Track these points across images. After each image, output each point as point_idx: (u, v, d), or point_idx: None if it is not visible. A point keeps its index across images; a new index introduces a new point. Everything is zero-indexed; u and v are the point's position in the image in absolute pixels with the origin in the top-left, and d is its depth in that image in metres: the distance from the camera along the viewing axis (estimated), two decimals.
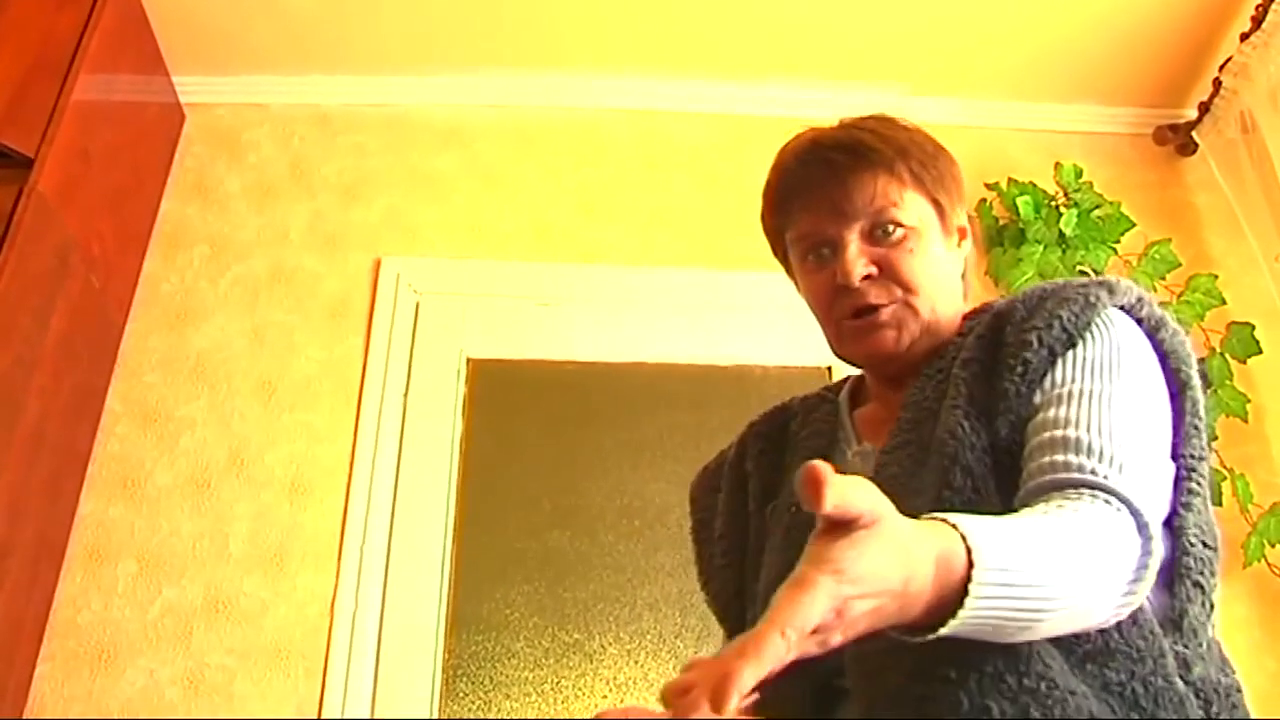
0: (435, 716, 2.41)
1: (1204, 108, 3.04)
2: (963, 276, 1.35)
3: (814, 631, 0.75)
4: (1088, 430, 1.05)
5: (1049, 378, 1.13)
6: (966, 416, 1.12)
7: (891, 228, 1.25)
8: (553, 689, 2.47)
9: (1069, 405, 1.08)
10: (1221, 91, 2.96)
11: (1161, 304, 1.23)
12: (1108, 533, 0.97)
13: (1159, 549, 0.99)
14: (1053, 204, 2.98)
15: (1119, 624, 1.03)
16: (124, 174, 2.79)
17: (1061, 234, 2.90)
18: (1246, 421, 2.75)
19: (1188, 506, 1.14)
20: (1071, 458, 1.03)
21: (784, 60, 3.10)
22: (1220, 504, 2.67)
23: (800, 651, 0.74)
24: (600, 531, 2.61)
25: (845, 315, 1.27)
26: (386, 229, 2.95)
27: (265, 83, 3.13)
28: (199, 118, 3.11)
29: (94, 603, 2.48)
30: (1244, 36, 2.84)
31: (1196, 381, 1.20)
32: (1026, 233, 2.92)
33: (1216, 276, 2.89)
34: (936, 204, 1.29)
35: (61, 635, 2.44)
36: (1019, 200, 2.95)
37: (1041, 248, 2.89)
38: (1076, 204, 2.96)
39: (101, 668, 2.41)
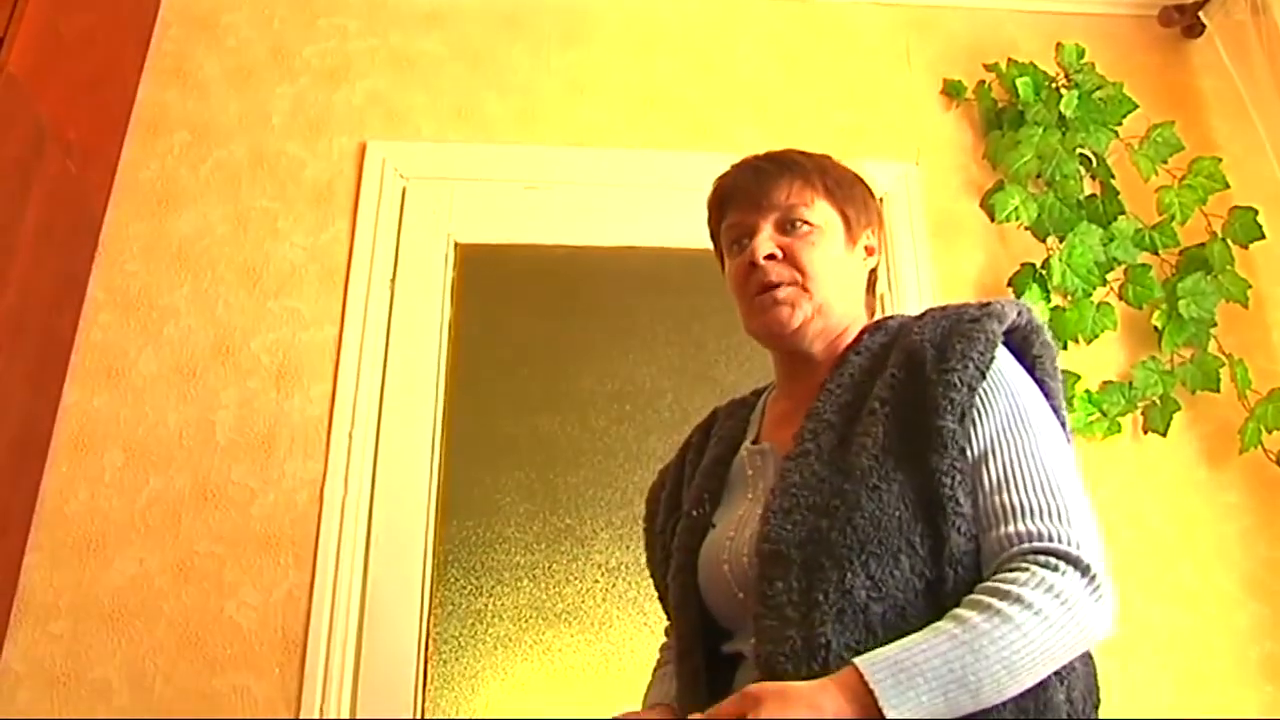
0: (426, 602, 2.41)
1: None
2: (869, 290, 1.56)
3: None
4: (1022, 489, 1.22)
5: (974, 426, 1.27)
6: (875, 459, 1.25)
7: (799, 223, 1.46)
8: (544, 574, 2.46)
9: (998, 462, 1.25)
10: None
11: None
12: (1054, 610, 1.12)
13: (1105, 578, 1.17)
14: (1053, 85, 2.92)
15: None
16: (99, 57, 2.71)
17: (1061, 116, 2.84)
18: (1246, 307, 2.72)
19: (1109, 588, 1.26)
20: (1017, 527, 1.20)
21: None
22: (1218, 390, 2.65)
23: None
24: (591, 416, 2.59)
25: (753, 292, 1.46)
26: (371, 113, 2.88)
27: None
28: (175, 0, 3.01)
29: (81, 493, 2.46)
30: None
31: (1060, 390, 1.41)
32: (1026, 115, 2.87)
33: (1220, 160, 2.83)
34: (844, 215, 1.50)
35: (49, 525, 2.42)
36: (1018, 81, 2.89)
37: (1041, 130, 2.83)
38: (1077, 85, 2.90)
39: (90, 557, 2.40)
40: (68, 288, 2.58)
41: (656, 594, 1.62)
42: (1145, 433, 2.66)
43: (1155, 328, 2.70)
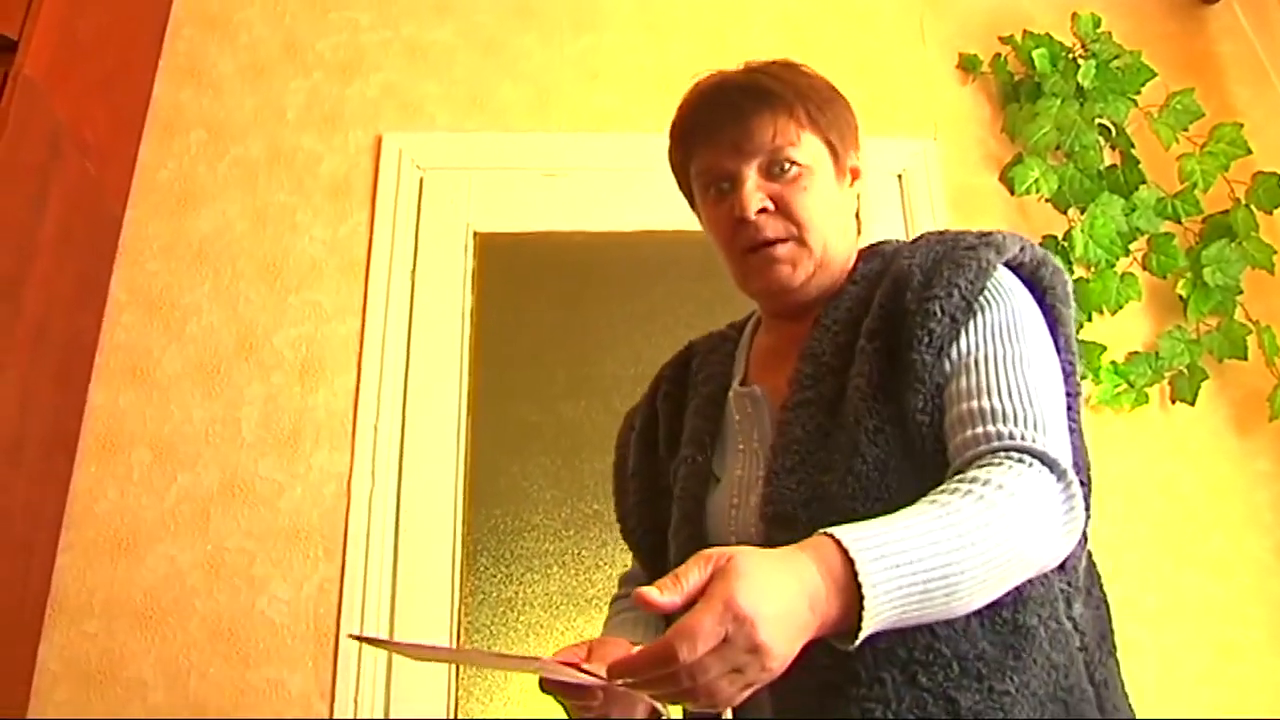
0: (456, 591, 2.41)
1: None
2: (856, 215, 1.44)
3: (725, 640, 0.84)
4: (999, 395, 1.12)
5: (955, 346, 1.19)
6: (868, 398, 1.19)
7: (788, 165, 1.33)
8: (573, 560, 2.47)
9: (979, 373, 1.15)
10: None
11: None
12: (1027, 497, 1.02)
13: (1078, 489, 1.07)
14: (1070, 56, 2.89)
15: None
16: (113, 58, 2.71)
17: (1079, 86, 2.82)
18: (1272, 273, 2.70)
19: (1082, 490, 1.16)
20: (990, 427, 1.10)
21: None
22: (1245, 357, 2.64)
23: (709, 660, 0.84)
24: (615, 401, 2.57)
25: (744, 249, 1.35)
26: (386, 105, 2.88)
27: None
28: None
29: (110, 492, 2.47)
30: None
31: (1071, 318, 1.29)
32: (1043, 86, 2.84)
33: (1241, 126, 2.80)
34: (830, 145, 1.37)
35: (80, 525, 2.44)
36: (1035, 53, 2.87)
37: (1059, 101, 2.81)
38: (1095, 55, 2.87)
39: (122, 555, 2.41)
40: (90, 289, 2.59)
41: (626, 541, 1.56)
42: (1173, 402, 2.64)
43: (1180, 297, 2.68)
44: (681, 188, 1.50)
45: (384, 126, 2.85)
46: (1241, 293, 2.68)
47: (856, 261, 1.40)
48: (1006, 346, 1.17)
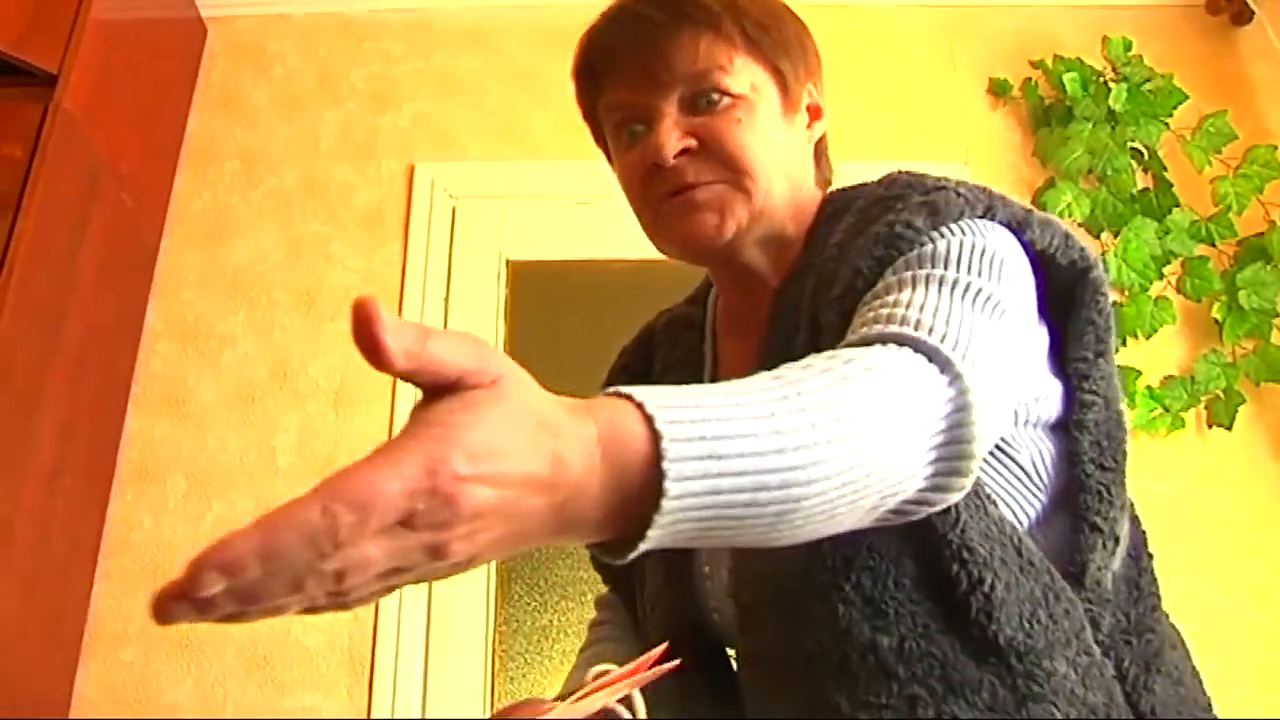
0: (491, 619, 2.41)
1: None
2: (819, 161, 1.17)
3: (407, 524, 0.52)
4: (905, 307, 0.82)
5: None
6: None
7: (716, 95, 1.05)
8: None
9: (889, 293, 0.86)
10: None
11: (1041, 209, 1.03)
12: (887, 377, 0.73)
13: (978, 402, 0.75)
14: (1101, 80, 2.88)
15: (1048, 601, 0.88)
16: (149, 91, 2.75)
17: (1111, 110, 2.81)
18: None
19: (1080, 425, 0.97)
20: (872, 327, 0.81)
21: None
22: None
23: (389, 551, 0.52)
24: None
25: (660, 196, 1.06)
26: (418, 135, 2.90)
27: None
28: (221, 31, 3.05)
29: (146, 520, 2.49)
30: None
31: (1095, 262, 0.99)
32: (1074, 110, 2.83)
33: (1276, 148, 2.78)
34: (777, 72, 1.09)
35: (117, 554, 2.45)
36: (1066, 77, 2.86)
37: (1090, 125, 2.80)
38: (1126, 78, 2.86)
39: (158, 584, 2.40)
40: (126, 319, 2.61)
41: (594, 564, 1.27)
42: (1210, 427, 2.62)
43: (1216, 320, 2.66)
44: (596, 139, 1.22)
45: (417, 156, 2.87)
46: (1278, 315, 2.66)
47: (816, 222, 1.10)
48: (934, 270, 0.87)
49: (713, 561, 1.06)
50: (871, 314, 0.84)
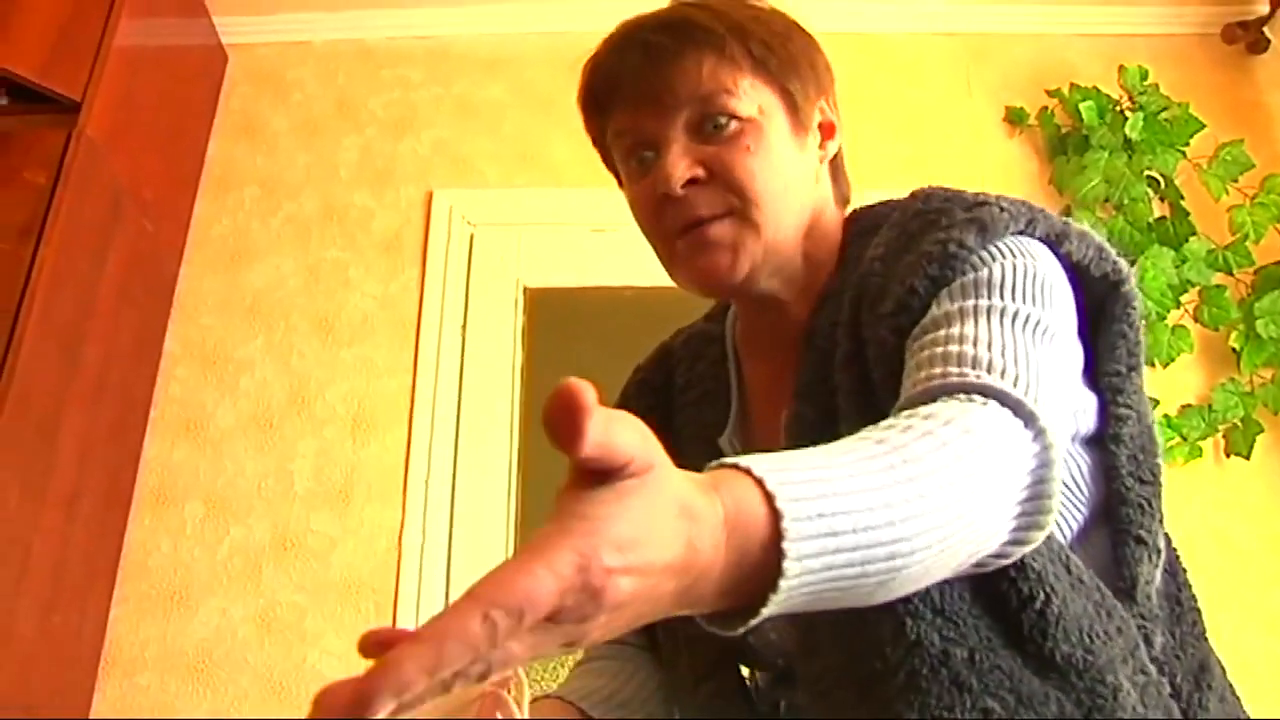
0: None
1: (1276, 2, 2.92)
2: (836, 179, 1.15)
3: (553, 618, 0.52)
4: (972, 344, 0.84)
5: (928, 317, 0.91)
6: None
7: (723, 119, 1.03)
8: None
9: (950, 325, 0.87)
10: None
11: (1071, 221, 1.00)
12: (982, 439, 0.75)
13: (1057, 456, 0.77)
14: (1117, 108, 2.89)
15: (1101, 618, 0.87)
16: (170, 117, 2.78)
17: (1127, 139, 2.82)
18: None
19: (1116, 439, 0.95)
20: (950, 368, 0.82)
21: None
22: None
23: (535, 646, 0.52)
24: None
25: (674, 232, 1.05)
26: (437, 162, 2.92)
27: (306, 20, 3.09)
28: (241, 58, 3.08)
29: (163, 545, 2.50)
30: None
31: (1128, 276, 0.98)
32: (1091, 139, 2.84)
33: None
34: (785, 93, 1.07)
35: (134, 578, 2.46)
36: (1082, 106, 2.86)
37: (1107, 154, 2.80)
38: (1142, 107, 2.87)
39: (174, 609, 2.43)
40: (145, 343, 2.63)
41: None
42: (1228, 456, 2.61)
43: (1233, 349, 2.66)
44: (606, 165, 1.19)
45: (435, 183, 2.88)
46: None
47: (845, 240, 1.10)
48: (990, 300, 0.88)
49: None
50: (941, 351, 0.84)
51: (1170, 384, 2.65)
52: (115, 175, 2.46)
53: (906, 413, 0.76)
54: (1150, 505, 0.95)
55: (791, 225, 1.06)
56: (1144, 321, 0.98)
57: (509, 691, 0.82)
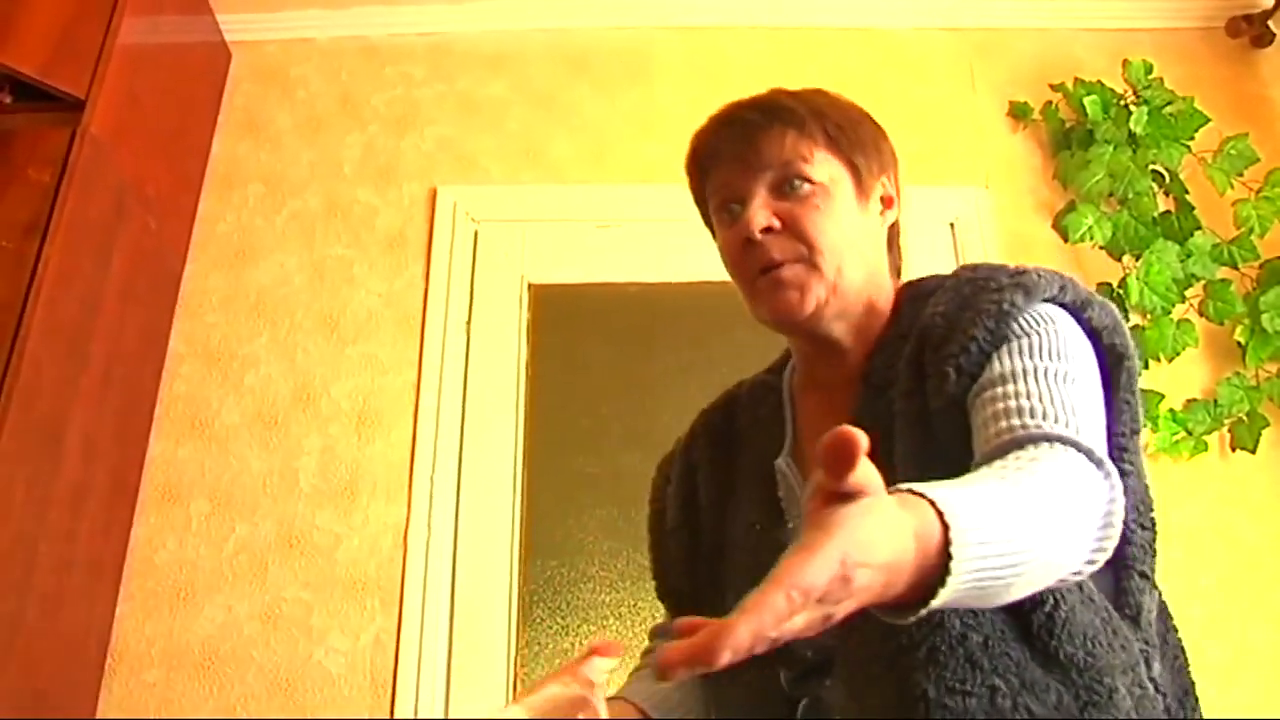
0: (513, 643, 2.41)
1: None
2: (892, 248, 1.35)
3: (820, 600, 0.70)
4: (1033, 399, 1.04)
5: (984, 374, 1.11)
6: (915, 468, 1.06)
7: (798, 182, 1.24)
8: (630, 611, 2.46)
9: (1010, 384, 1.07)
10: None
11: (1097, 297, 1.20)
12: (1072, 478, 0.96)
13: (1120, 494, 0.99)
14: (1121, 103, 2.89)
15: (1106, 631, 1.05)
16: (174, 115, 2.78)
17: (1131, 133, 2.81)
18: None
19: (1124, 489, 1.06)
20: (1023, 420, 1.03)
21: None
22: None
23: (807, 621, 0.70)
24: None
25: (754, 273, 1.26)
26: (440, 158, 2.92)
27: (310, 17, 3.09)
28: (245, 55, 3.08)
29: (169, 542, 2.50)
30: None
31: (1133, 352, 1.19)
32: (1095, 133, 2.83)
33: None
34: (852, 166, 1.28)
35: (140, 575, 2.47)
36: (1086, 100, 2.86)
37: (1111, 148, 2.80)
38: (1147, 101, 2.86)
39: (180, 606, 2.44)
40: (150, 341, 2.63)
41: (662, 599, 1.46)
42: (1234, 450, 2.61)
43: (1239, 343, 2.65)
44: (704, 220, 1.41)
45: (439, 179, 2.88)
46: None
47: (899, 305, 1.29)
48: (1040, 362, 1.09)
49: None
50: (1014, 405, 1.05)
51: (1175, 378, 2.65)
52: (119, 173, 2.46)
53: (1014, 455, 0.97)
54: (1150, 547, 1.13)
55: (853, 276, 1.26)
56: (1141, 392, 1.21)
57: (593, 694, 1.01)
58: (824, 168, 1.26)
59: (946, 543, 0.78)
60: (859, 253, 1.27)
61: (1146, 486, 1.17)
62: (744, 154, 1.27)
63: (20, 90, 2.37)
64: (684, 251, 2.75)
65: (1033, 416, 1.02)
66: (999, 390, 1.07)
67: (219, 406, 2.63)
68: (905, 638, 1.01)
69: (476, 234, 2.82)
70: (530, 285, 2.78)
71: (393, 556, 2.46)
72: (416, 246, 2.80)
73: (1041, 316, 1.14)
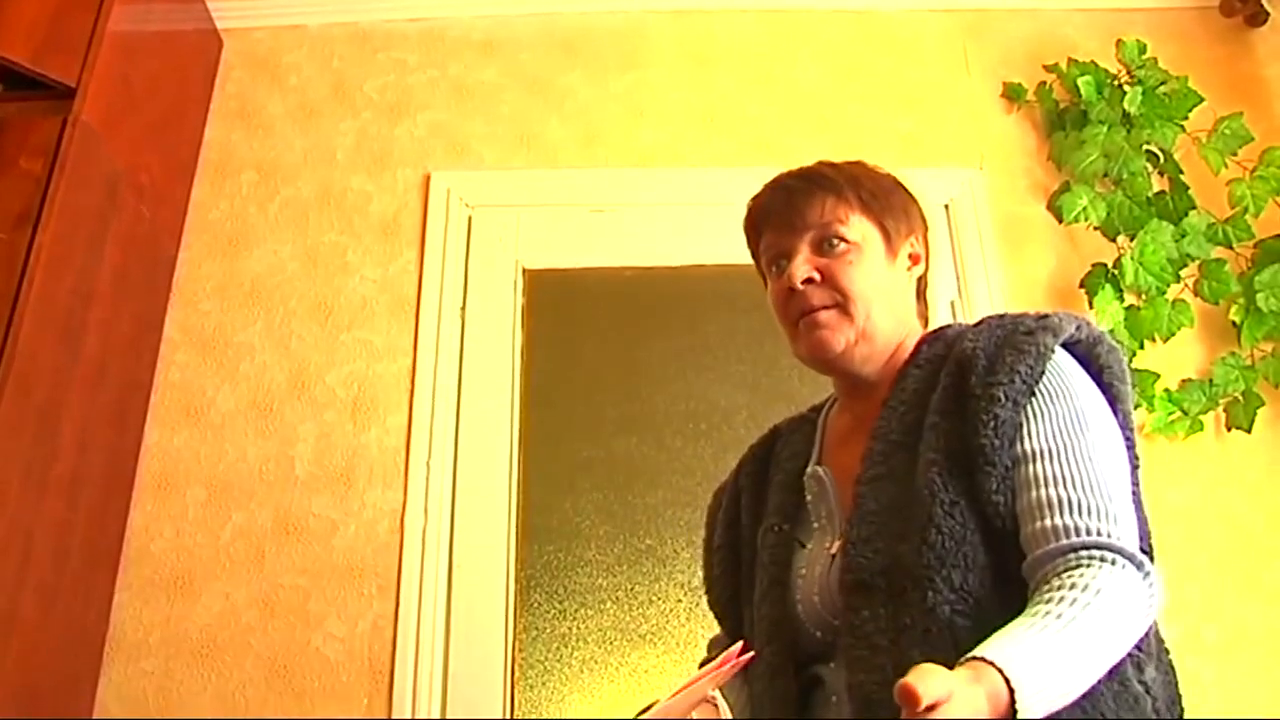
0: (510, 627, 2.41)
1: None
2: (919, 298, 1.55)
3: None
4: (1069, 486, 1.22)
5: (1022, 434, 1.28)
6: (942, 473, 1.27)
7: (835, 241, 1.45)
8: (626, 595, 2.47)
9: (1047, 462, 1.25)
10: None
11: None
12: (1124, 606, 1.14)
13: (1159, 588, 1.18)
14: (1115, 83, 2.88)
15: None
16: (166, 103, 2.76)
17: (1126, 113, 2.80)
18: None
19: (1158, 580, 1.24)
20: (1064, 519, 1.20)
21: None
22: None
23: None
24: (667, 436, 2.59)
25: (795, 317, 1.46)
26: (434, 144, 2.91)
27: (301, 3, 3.08)
28: (237, 43, 3.07)
29: (166, 530, 2.50)
30: None
31: (1129, 394, 1.40)
32: (1089, 114, 2.82)
33: None
34: (883, 228, 1.48)
35: (137, 564, 2.47)
36: (1080, 81, 2.85)
37: (1105, 129, 2.79)
38: (1140, 81, 2.85)
39: (178, 593, 2.44)
40: (145, 329, 2.63)
41: (710, 608, 1.64)
42: (1229, 430, 2.61)
43: (1234, 323, 2.65)
44: (760, 273, 1.59)
45: (432, 165, 2.88)
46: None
47: (920, 345, 1.47)
48: (1072, 438, 1.26)
49: (810, 565, 1.39)
50: (1055, 495, 1.22)
51: (1171, 358, 2.65)
52: (111, 161, 2.45)
53: (1069, 579, 1.14)
54: (1150, 561, 1.24)
55: (881, 321, 1.45)
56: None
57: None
58: (857, 228, 1.46)
59: (1014, 701, 0.99)
60: (887, 301, 1.46)
61: (1146, 518, 1.33)
62: (789, 216, 1.48)
63: (10, 79, 2.36)
64: (678, 235, 2.77)
65: (1068, 512, 1.20)
66: (1036, 470, 1.25)
67: (214, 394, 2.63)
68: (907, 619, 1.21)
69: (470, 219, 2.81)
70: (525, 270, 2.77)
71: (389, 542, 2.46)
72: (410, 232, 2.79)
73: (1066, 374, 1.32)
